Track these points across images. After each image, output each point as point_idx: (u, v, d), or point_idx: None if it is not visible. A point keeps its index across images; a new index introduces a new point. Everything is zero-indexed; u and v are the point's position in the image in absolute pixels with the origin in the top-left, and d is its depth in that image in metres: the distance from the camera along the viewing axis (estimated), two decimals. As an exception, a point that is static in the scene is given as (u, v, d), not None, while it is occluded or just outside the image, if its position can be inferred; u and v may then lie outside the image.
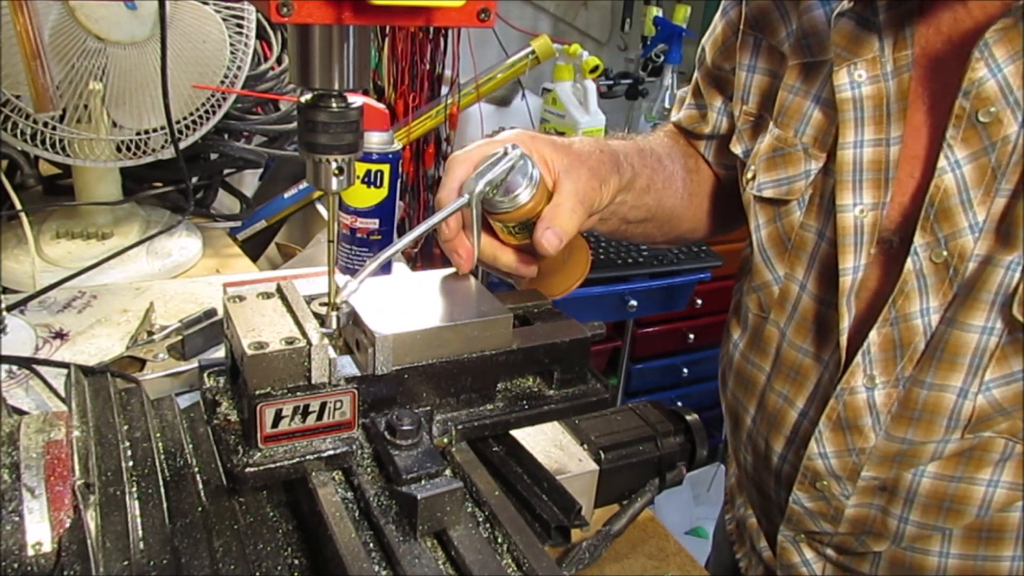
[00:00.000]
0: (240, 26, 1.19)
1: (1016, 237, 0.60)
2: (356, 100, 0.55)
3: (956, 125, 0.61)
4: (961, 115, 0.61)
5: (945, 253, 0.63)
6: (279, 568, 0.55)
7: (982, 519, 0.68)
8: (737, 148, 0.81)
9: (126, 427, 0.62)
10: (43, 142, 1.08)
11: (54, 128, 1.08)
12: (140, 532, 0.51)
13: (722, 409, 0.90)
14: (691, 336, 2.45)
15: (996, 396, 0.63)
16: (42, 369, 0.81)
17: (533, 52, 2.14)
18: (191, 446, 0.63)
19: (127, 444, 0.59)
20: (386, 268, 1.13)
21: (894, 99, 0.65)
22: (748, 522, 0.91)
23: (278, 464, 0.57)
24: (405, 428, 0.59)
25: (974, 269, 0.62)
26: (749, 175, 0.77)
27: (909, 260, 0.65)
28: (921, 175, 0.66)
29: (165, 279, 1.16)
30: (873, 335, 0.67)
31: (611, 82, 2.57)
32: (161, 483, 0.56)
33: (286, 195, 1.47)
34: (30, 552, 0.48)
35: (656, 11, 2.64)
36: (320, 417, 0.58)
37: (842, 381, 0.69)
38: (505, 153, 0.60)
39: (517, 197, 0.60)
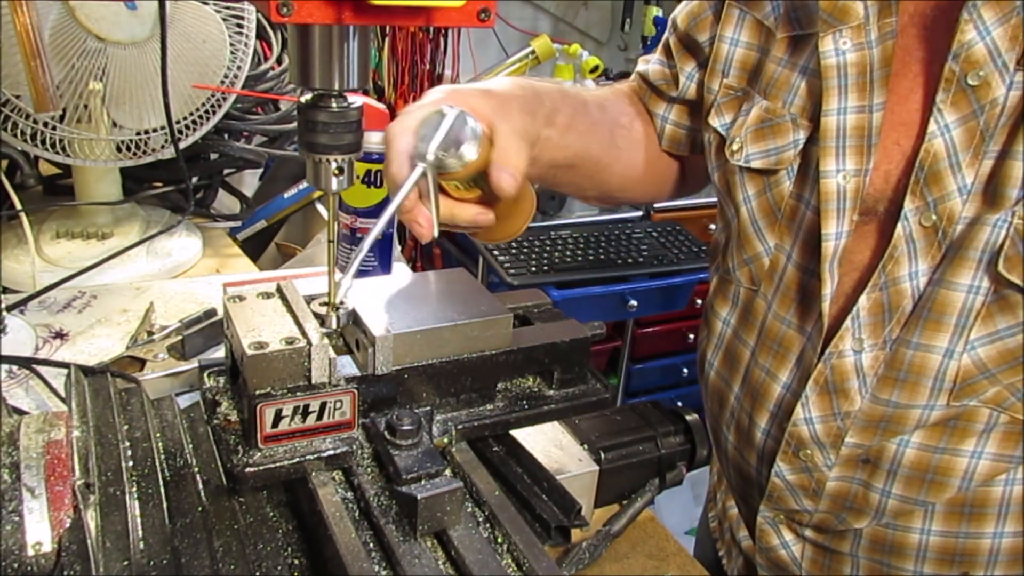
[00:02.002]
0: (240, 26, 1.19)
1: (1002, 196, 0.61)
2: (356, 100, 0.55)
3: (946, 89, 0.62)
4: (951, 78, 0.62)
5: (934, 217, 0.64)
6: (279, 568, 0.55)
7: (965, 493, 0.68)
8: (715, 121, 0.81)
9: (126, 427, 0.62)
10: (43, 142, 1.08)
11: (54, 128, 1.08)
12: (140, 532, 0.51)
13: (703, 395, 0.90)
14: (691, 336, 2.45)
15: (981, 355, 0.64)
16: (42, 369, 0.81)
17: (533, 52, 2.15)
18: (191, 446, 0.63)
19: (127, 444, 0.59)
20: (386, 268, 1.13)
21: (877, 66, 0.66)
22: (729, 514, 0.92)
23: (278, 464, 0.57)
24: (405, 428, 0.59)
25: (962, 231, 0.63)
26: (734, 147, 0.78)
27: (899, 225, 0.65)
28: (909, 142, 0.66)
29: (165, 279, 1.16)
30: (863, 300, 0.68)
31: (611, 82, 2.57)
32: (161, 483, 0.56)
33: (286, 195, 1.47)
34: (30, 552, 0.49)
35: (656, 11, 2.65)
36: (320, 417, 0.58)
37: (830, 345, 0.70)
38: (442, 114, 0.59)
39: (465, 154, 0.59)
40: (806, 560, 0.78)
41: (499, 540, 0.57)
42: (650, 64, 0.92)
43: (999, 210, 0.61)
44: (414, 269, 1.95)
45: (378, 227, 0.59)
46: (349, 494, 0.59)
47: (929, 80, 0.65)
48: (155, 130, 1.15)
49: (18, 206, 1.07)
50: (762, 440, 0.78)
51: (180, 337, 0.87)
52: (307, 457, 0.58)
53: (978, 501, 0.68)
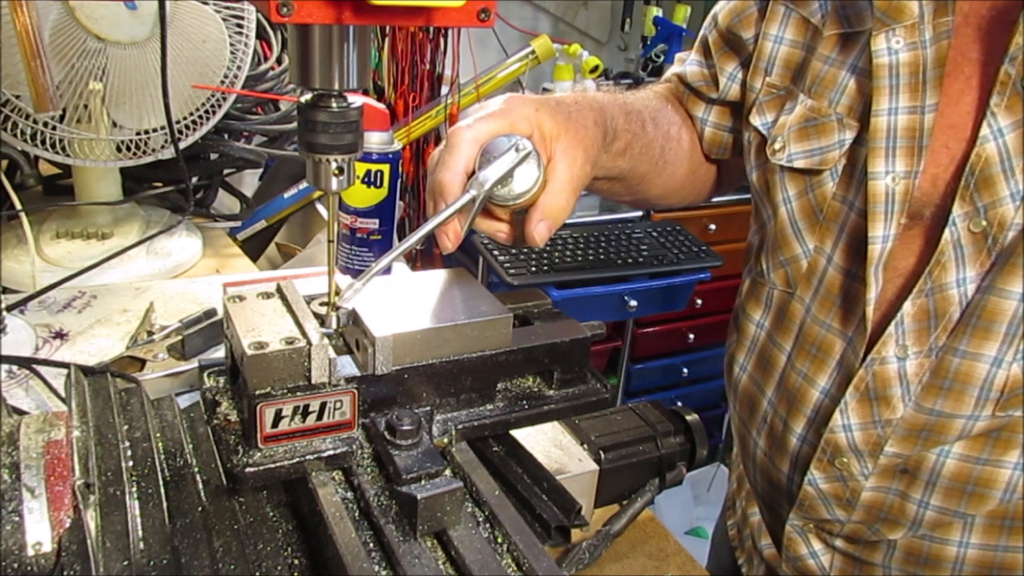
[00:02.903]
0: (240, 26, 1.19)
1: None
2: (356, 100, 0.55)
3: (1000, 92, 0.61)
4: (1006, 81, 0.61)
5: (984, 223, 0.63)
6: (279, 568, 0.55)
7: (1005, 506, 0.67)
8: (756, 120, 0.79)
9: (126, 427, 0.62)
10: (43, 142, 1.08)
11: (54, 128, 1.08)
12: (140, 532, 0.51)
13: (730, 399, 0.88)
14: (691, 336, 2.45)
15: None
16: (42, 369, 0.81)
17: (533, 52, 2.14)
18: (191, 446, 0.63)
19: (127, 444, 0.59)
20: (386, 268, 1.13)
21: (931, 66, 0.65)
22: (750, 520, 0.90)
23: (278, 464, 0.57)
24: (405, 428, 0.59)
25: (1014, 237, 0.62)
26: (776, 146, 0.76)
27: (947, 231, 0.64)
28: (958, 145, 0.65)
29: (165, 279, 1.16)
30: (907, 306, 0.66)
31: (611, 82, 2.57)
32: (161, 483, 0.56)
33: (286, 195, 1.47)
34: (30, 552, 0.48)
35: (656, 11, 2.65)
36: (320, 417, 0.58)
37: (872, 351, 0.68)
38: (516, 149, 0.60)
39: (519, 195, 0.61)
40: (835, 571, 0.77)
41: (499, 540, 0.57)
42: (687, 65, 0.90)
43: None
44: (414, 269, 1.95)
45: (412, 239, 0.59)
46: (349, 494, 0.59)
47: (983, 83, 0.64)
48: (155, 130, 1.15)
49: (18, 206, 1.07)
50: (796, 446, 0.76)
51: (180, 337, 0.87)
52: (307, 457, 0.57)
53: (1019, 514, 0.67)
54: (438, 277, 0.71)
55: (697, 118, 0.90)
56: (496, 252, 1.97)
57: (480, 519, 0.58)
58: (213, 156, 1.39)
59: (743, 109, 0.84)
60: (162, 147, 1.17)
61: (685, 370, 2.51)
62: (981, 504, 0.67)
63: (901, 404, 0.68)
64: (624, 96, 0.85)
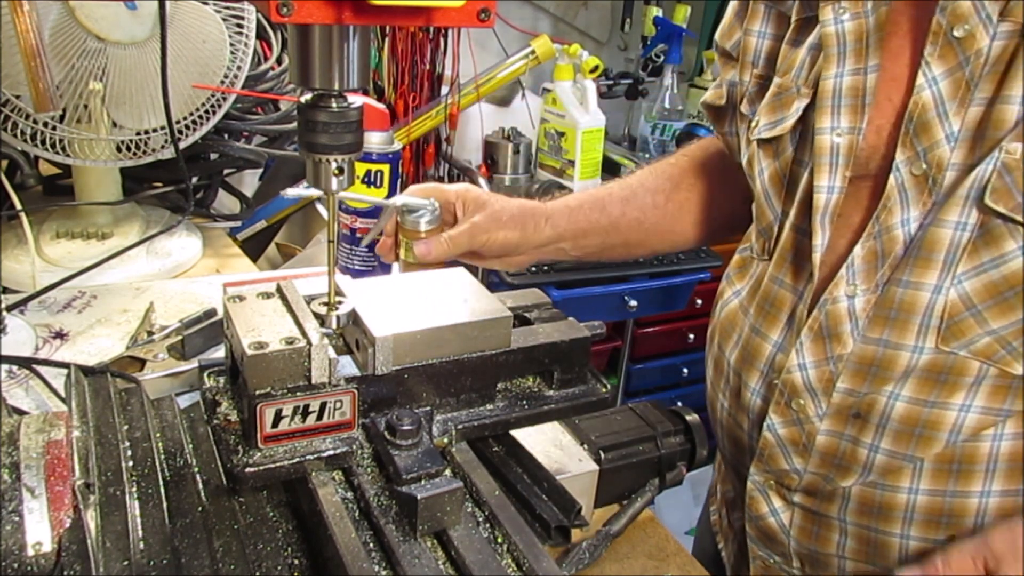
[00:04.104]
0: (240, 26, 1.19)
1: (990, 139, 0.64)
2: (356, 100, 0.55)
3: (933, 42, 0.65)
4: (938, 32, 0.65)
5: (924, 165, 0.67)
6: (279, 568, 0.55)
7: (953, 449, 0.69)
8: (746, 108, 0.84)
9: (126, 427, 0.62)
10: (43, 142, 1.08)
11: (54, 128, 1.08)
12: (140, 532, 0.51)
13: (707, 370, 0.93)
14: (691, 336, 2.45)
15: (967, 289, 0.66)
16: (42, 369, 0.81)
17: (533, 52, 2.14)
18: (191, 446, 0.63)
19: (127, 444, 0.59)
20: (386, 268, 1.13)
21: (873, 31, 0.70)
22: (726, 498, 0.93)
23: (278, 464, 0.57)
24: (405, 428, 0.59)
25: (951, 176, 0.66)
26: (753, 124, 0.81)
27: (891, 176, 0.68)
28: (899, 96, 0.70)
29: (165, 279, 1.16)
30: (857, 249, 0.70)
31: (611, 82, 2.57)
32: (161, 483, 0.56)
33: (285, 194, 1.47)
34: (30, 552, 0.48)
35: (656, 11, 2.64)
36: (320, 417, 0.58)
37: (825, 293, 0.72)
38: (431, 204, 0.86)
39: (412, 224, 0.86)
40: (795, 528, 0.79)
41: (499, 540, 0.57)
42: (709, 91, 0.96)
43: (987, 151, 0.64)
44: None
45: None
46: (349, 494, 0.59)
47: (918, 37, 0.68)
48: (155, 130, 1.15)
49: (18, 206, 1.07)
50: (751, 400, 0.80)
51: (180, 337, 0.87)
52: (307, 457, 0.58)
53: (966, 458, 0.69)
54: (438, 277, 0.71)
55: (724, 133, 0.94)
56: (496, 252, 1.97)
57: (480, 519, 0.58)
58: (213, 156, 1.39)
59: (733, 104, 0.89)
60: (162, 147, 1.17)
61: (685, 370, 2.50)
62: (929, 446, 0.69)
63: (851, 339, 0.71)
64: (615, 185, 1.02)
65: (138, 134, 1.15)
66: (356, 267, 1.17)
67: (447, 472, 0.58)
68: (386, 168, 1.06)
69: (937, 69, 0.66)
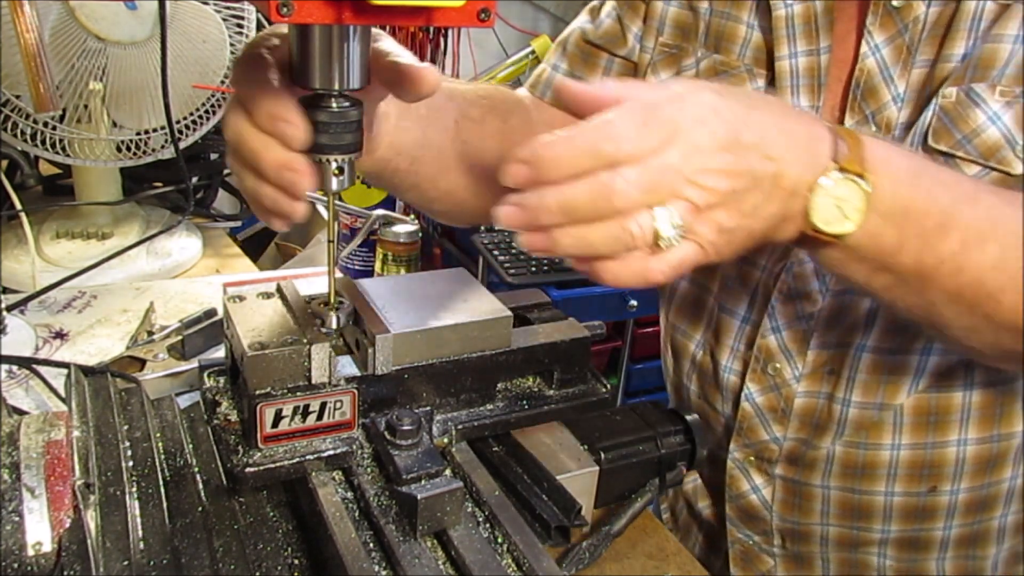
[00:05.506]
0: (240, 26, 1.19)
1: (932, 94, 0.67)
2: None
3: (874, 12, 0.69)
4: (878, 3, 0.69)
5: (874, 127, 0.70)
6: (279, 568, 0.55)
7: (928, 400, 0.72)
8: (653, 79, 0.84)
9: (126, 427, 0.62)
10: (43, 142, 1.08)
11: (54, 128, 1.08)
12: (140, 532, 0.51)
13: (664, 359, 0.93)
14: (691, 336, 2.45)
15: None
16: (42, 369, 0.81)
17: (533, 52, 2.15)
18: (191, 446, 0.63)
19: (127, 444, 0.59)
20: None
21: (820, 15, 0.73)
22: (685, 489, 0.93)
23: (278, 464, 0.57)
24: (405, 428, 0.59)
25: (899, 135, 0.69)
26: None
27: None
28: (845, 73, 0.73)
29: (165, 279, 1.16)
30: None
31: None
32: (161, 483, 0.56)
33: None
34: (30, 552, 0.49)
35: (656, 11, 2.65)
36: (320, 417, 0.58)
37: (791, 257, 0.74)
38: None
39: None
40: (777, 502, 0.80)
41: (499, 540, 0.57)
42: (600, 22, 0.88)
43: (931, 105, 0.67)
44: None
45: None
46: (349, 494, 0.59)
47: (862, 19, 0.71)
48: (155, 130, 1.15)
49: (18, 206, 1.07)
50: (725, 378, 0.82)
51: (180, 337, 0.87)
52: (307, 457, 0.58)
53: (941, 409, 0.72)
54: (438, 277, 0.71)
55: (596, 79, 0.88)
56: (496, 252, 1.97)
57: (480, 519, 0.58)
58: (213, 156, 1.39)
59: (636, 72, 0.87)
60: (162, 147, 1.17)
61: (685, 370, 2.51)
62: (894, 394, 0.72)
63: (820, 297, 0.74)
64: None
65: (138, 134, 1.15)
66: (356, 267, 1.17)
67: (447, 472, 0.58)
68: (386, 168, 1.06)
69: (879, 37, 0.69)
